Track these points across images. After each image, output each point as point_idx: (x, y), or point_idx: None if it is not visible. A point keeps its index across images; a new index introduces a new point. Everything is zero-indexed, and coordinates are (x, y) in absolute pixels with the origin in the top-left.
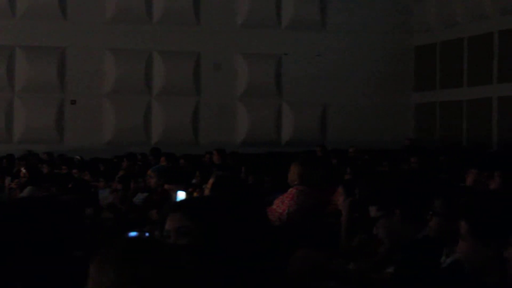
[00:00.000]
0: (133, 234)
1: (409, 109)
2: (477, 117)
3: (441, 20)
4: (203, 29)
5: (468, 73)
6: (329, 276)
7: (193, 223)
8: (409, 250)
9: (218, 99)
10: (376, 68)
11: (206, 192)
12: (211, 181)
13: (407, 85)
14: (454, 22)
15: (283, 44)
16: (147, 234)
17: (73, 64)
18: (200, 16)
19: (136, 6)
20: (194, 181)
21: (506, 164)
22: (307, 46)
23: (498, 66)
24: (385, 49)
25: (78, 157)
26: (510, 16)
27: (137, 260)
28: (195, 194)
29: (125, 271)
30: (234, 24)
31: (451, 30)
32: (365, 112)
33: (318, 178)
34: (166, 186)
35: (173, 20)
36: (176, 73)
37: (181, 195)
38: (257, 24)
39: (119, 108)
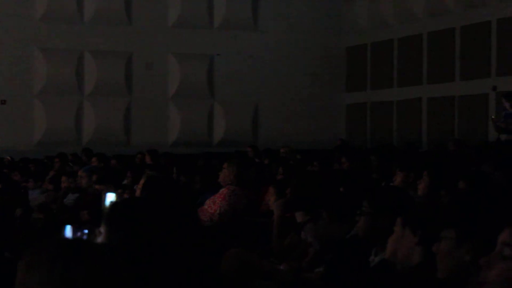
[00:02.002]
0: (68, 228)
1: (340, 109)
2: (407, 118)
3: (371, 21)
4: (135, 29)
5: (398, 74)
6: (260, 275)
7: (108, 227)
8: (338, 250)
9: (150, 99)
10: (308, 68)
11: (137, 192)
12: (142, 181)
13: (339, 86)
14: (384, 24)
15: (215, 44)
16: (85, 231)
17: (3, 63)
18: (132, 16)
19: (67, 5)
20: (125, 181)
21: (434, 164)
22: (239, 47)
23: (427, 67)
24: (317, 50)
25: (8, 157)
26: (438, 18)
27: (68, 261)
28: (125, 195)
29: (55, 272)
30: (166, 24)
31: (381, 31)
32: (297, 113)
33: (250, 179)
34: (97, 187)
35: (104, 19)
36: (107, 73)
37: (110, 197)
38: (189, 24)
39: (50, 108)
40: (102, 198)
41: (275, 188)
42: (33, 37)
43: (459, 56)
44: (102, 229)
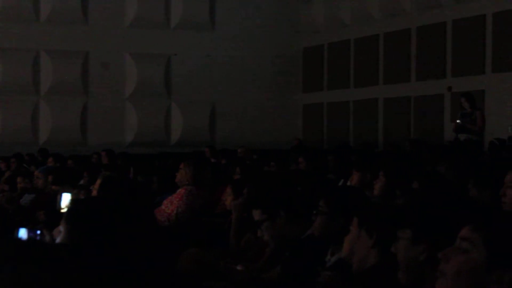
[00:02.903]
0: (23, 230)
1: (297, 109)
2: (364, 118)
3: (328, 22)
4: (91, 29)
5: (355, 74)
6: (217, 276)
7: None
8: (294, 249)
9: (106, 99)
10: (265, 68)
11: (94, 193)
12: (98, 181)
13: (296, 86)
14: (341, 24)
15: (172, 44)
16: (38, 232)
17: None
18: (88, 15)
19: (23, 4)
20: (82, 182)
21: (390, 164)
22: (196, 47)
23: (384, 68)
24: (274, 50)
25: None
26: (395, 18)
27: (19, 262)
28: (81, 195)
29: (6, 272)
30: (123, 24)
31: (338, 32)
32: (254, 113)
33: (206, 179)
34: (53, 187)
35: (61, 19)
36: (64, 73)
37: (65, 197)
38: (146, 24)
39: (5, 108)
40: (58, 199)
41: (232, 188)
42: None
43: (415, 57)
44: (61, 228)
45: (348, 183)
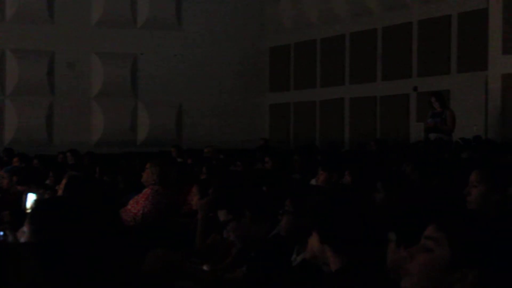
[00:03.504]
0: None
1: (264, 109)
2: (330, 118)
3: (295, 22)
4: (57, 28)
5: (321, 74)
6: (183, 276)
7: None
8: (260, 249)
9: (72, 99)
10: (232, 68)
11: (60, 192)
12: (64, 181)
13: (262, 86)
14: (307, 24)
15: (138, 43)
16: (1, 233)
17: None
18: (54, 14)
19: None
20: (47, 181)
21: (356, 163)
22: (163, 46)
23: (350, 68)
24: (241, 50)
25: None
26: (361, 18)
27: None
28: (47, 195)
29: None
30: (89, 23)
31: (304, 32)
32: (221, 112)
33: (173, 178)
34: (19, 187)
35: (26, 18)
36: (29, 72)
37: (31, 197)
38: (112, 23)
39: None
40: (23, 199)
41: (198, 188)
42: None
43: (381, 57)
44: (25, 229)
45: (314, 182)
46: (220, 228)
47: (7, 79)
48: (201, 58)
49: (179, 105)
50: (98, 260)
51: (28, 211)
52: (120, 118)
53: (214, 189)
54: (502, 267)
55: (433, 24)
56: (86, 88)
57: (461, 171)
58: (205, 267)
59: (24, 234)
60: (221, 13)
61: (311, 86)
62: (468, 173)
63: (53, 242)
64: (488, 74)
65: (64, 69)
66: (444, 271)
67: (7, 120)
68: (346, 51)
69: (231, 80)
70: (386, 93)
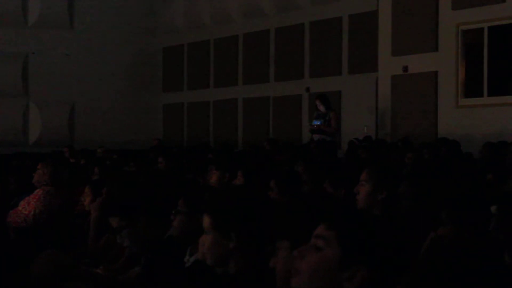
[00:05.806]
0: None
1: (157, 109)
2: (224, 118)
3: (188, 22)
4: None
5: (215, 74)
6: (74, 278)
7: None
8: (154, 251)
9: None
10: (125, 68)
11: None
12: None
13: (155, 86)
14: (200, 24)
15: (30, 42)
16: None
17: None
18: None
19: None
20: None
21: (248, 163)
22: (55, 45)
23: (243, 68)
24: (133, 49)
25: None
26: (253, 19)
27: None
28: None
29: None
30: None
31: (198, 32)
32: (113, 112)
33: (65, 179)
34: None
35: None
36: None
37: None
38: (2, 21)
39: None
40: None
41: (91, 189)
42: None
43: (274, 58)
44: None
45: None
46: (114, 231)
47: None
48: (93, 58)
49: (71, 104)
50: None
51: None
52: (11, 118)
53: (106, 192)
54: (388, 266)
55: (324, 26)
56: None
57: (351, 171)
58: (99, 270)
59: None
60: (113, 13)
61: (204, 86)
62: (358, 173)
63: None
64: (378, 75)
65: None
66: (334, 269)
67: None
68: (239, 52)
69: (124, 80)
70: (279, 93)
